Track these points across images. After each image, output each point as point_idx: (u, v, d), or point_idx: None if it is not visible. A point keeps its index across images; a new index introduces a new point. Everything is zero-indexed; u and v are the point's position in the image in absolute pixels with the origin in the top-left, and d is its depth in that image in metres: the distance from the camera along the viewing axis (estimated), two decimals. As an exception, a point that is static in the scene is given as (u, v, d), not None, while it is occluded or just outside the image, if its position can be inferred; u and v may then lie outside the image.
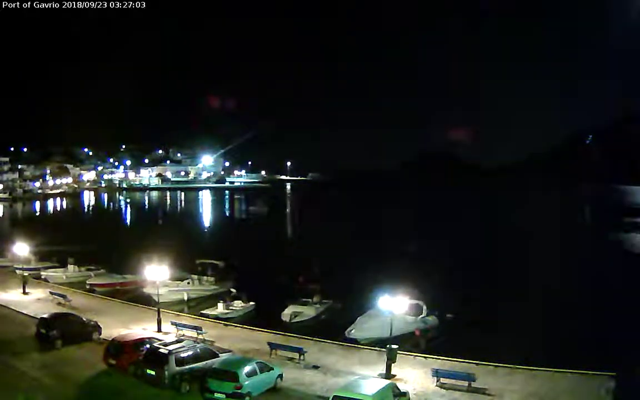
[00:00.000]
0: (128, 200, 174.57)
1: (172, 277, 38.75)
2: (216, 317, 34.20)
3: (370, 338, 29.32)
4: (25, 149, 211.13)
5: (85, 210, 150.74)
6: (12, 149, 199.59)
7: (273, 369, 22.24)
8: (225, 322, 33.00)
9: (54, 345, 25.98)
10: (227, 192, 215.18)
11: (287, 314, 34.86)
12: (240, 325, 32.31)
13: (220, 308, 36.11)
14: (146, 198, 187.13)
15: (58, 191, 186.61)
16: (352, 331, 30.17)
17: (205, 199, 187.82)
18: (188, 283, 41.57)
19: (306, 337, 29.16)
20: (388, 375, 23.28)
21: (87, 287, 42.55)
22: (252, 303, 37.83)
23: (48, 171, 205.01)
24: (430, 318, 33.14)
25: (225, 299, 38.13)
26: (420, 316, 32.58)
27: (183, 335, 28.23)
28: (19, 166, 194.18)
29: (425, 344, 30.64)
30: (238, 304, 37.54)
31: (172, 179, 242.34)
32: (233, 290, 39.95)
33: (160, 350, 21.90)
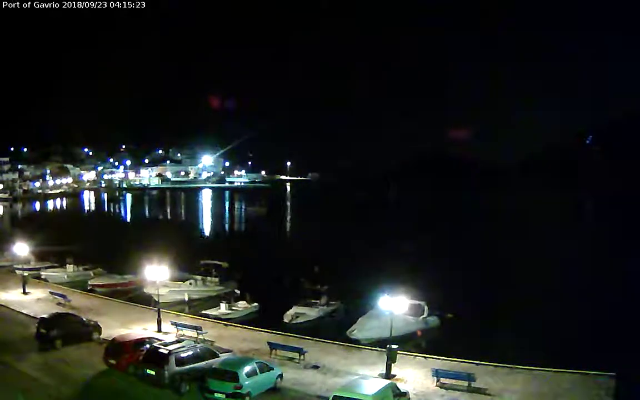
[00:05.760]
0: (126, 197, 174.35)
1: (175, 277, 38.82)
2: (217, 318, 34.13)
3: (371, 338, 29.33)
4: (25, 149, 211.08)
5: (85, 210, 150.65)
6: (12, 149, 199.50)
7: (273, 369, 22.26)
8: (225, 322, 33.01)
9: (54, 345, 25.99)
10: (227, 192, 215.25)
11: (289, 314, 34.88)
12: (240, 325, 32.33)
13: (222, 308, 36.15)
14: (146, 198, 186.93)
15: (58, 191, 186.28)
16: (354, 331, 30.20)
17: (206, 199, 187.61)
18: (190, 284, 41.52)
19: (306, 337, 29.18)
20: (388, 375, 23.29)
21: (88, 287, 42.59)
22: (255, 304, 37.85)
23: (48, 171, 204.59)
24: (432, 318, 33.17)
25: (229, 299, 38.18)
26: (422, 317, 32.60)
27: (183, 335, 28.26)
28: (19, 166, 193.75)
29: (426, 344, 30.68)
30: (242, 304, 37.58)
31: (172, 179, 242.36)
32: (237, 291, 39.90)
33: (160, 350, 21.92)
